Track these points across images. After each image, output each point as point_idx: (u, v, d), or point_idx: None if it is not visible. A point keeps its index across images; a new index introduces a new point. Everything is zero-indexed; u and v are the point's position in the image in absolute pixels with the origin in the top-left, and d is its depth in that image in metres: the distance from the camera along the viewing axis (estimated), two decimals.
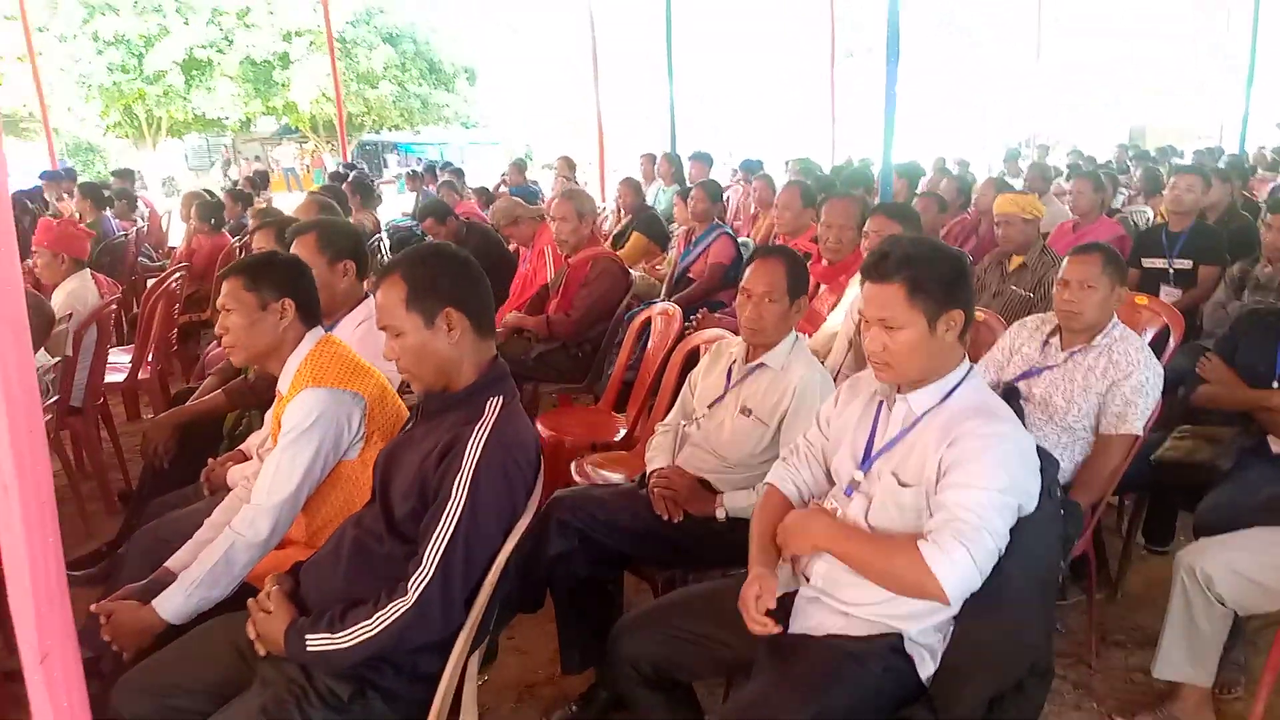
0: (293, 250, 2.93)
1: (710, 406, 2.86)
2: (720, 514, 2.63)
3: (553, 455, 3.77)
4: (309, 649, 1.79)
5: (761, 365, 2.77)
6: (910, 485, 1.93)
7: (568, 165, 9.74)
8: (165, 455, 3.30)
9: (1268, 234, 4.54)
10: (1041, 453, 1.98)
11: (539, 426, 3.93)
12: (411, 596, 1.74)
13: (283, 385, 2.34)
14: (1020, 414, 2.82)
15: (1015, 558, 1.86)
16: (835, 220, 3.90)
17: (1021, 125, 19.19)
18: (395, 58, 30.28)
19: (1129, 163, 11.54)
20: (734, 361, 2.88)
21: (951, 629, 1.95)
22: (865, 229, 3.66)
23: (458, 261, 1.97)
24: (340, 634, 1.76)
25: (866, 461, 2.05)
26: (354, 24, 29.14)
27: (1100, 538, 3.46)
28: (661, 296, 5.61)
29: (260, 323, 2.32)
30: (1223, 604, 2.52)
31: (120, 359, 5.05)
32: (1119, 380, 2.83)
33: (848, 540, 1.93)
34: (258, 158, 32.57)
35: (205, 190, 9.20)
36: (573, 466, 3.45)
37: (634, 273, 6.46)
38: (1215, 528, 2.83)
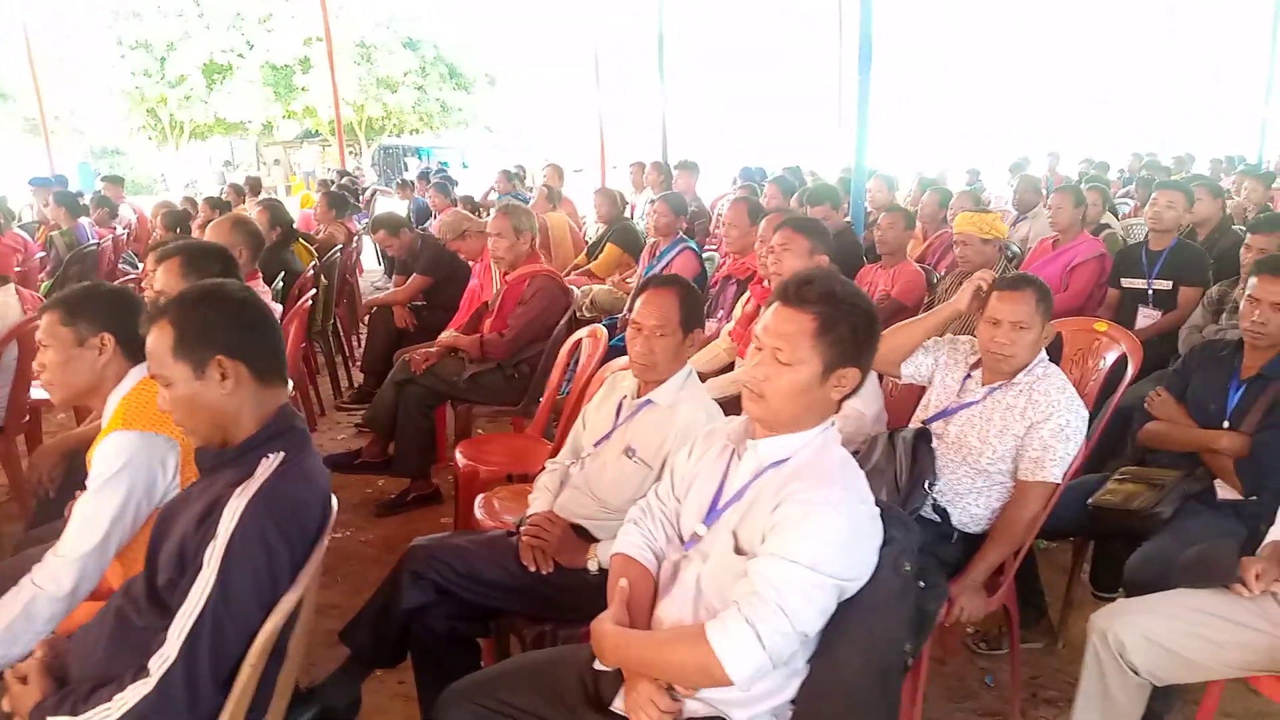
0: (159, 275, 2.77)
1: (596, 445, 2.67)
2: (592, 566, 2.43)
3: (467, 488, 3.60)
4: None
5: (650, 403, 2.58)
6: (745, 553, 1.74)
7: (556, 174, 9.57)
8: (51, 484, 3.14)
9: (1247, 255, 4.27)
10: (893, 520, 1.78)
11: (457, 454, 3.76)
12: (153, 678, 1.57)
13: (104, 425, 2.18)
14: (930, 457, 2.67)
15: (850, 641, 1.67)
16: (772, 239, 3.70)
17: (1041, 134, 18.77)
18: (416, 62, 30.40)
19: (1142, 172, 11.16)
20: (625, 396, 2.69)
21: (790, 715, 1.75)
22: (771, 241, 3.44)
23: (234, 304, 1.79)
24: (79, 717, 1.59)
25: (711, 515, 1.86)
26: (373, 29, 29.29)
27: (1035, 585, 3.24)
28: (624, 311, 5.44)
29: (76, 360, 2.16)
30: (1136, 673, 2.30)
31: None
32: (1038, 422, 2.61)
33: (629, 649, 1.75)
34: (277, 161, 32.70)
35: (189, 198, 9.11)
36: (477, 503, 3.26)
37: (599, 286, 6.32)
38: (1144, 585, 2.60)
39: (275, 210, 5.81)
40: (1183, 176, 9.12)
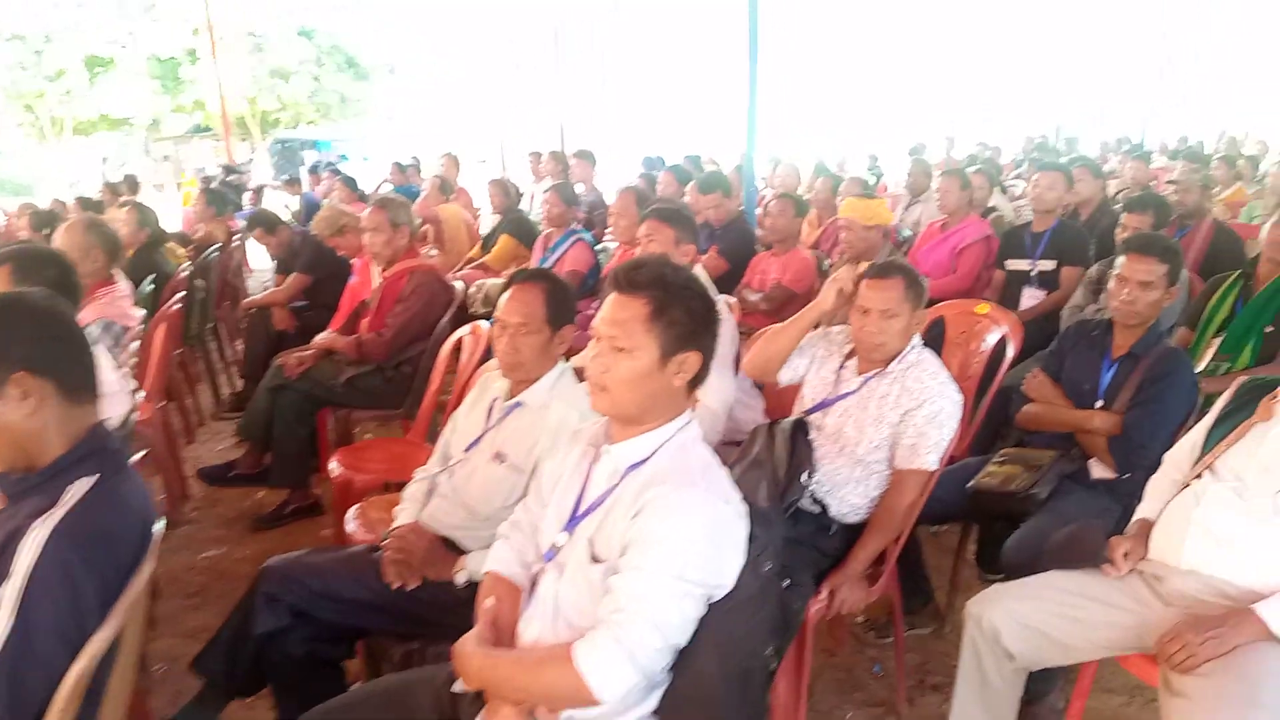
0: None
1: (466, 450, 2.55)
2: (460, 579, 2.32)
3: (341, 499, 3.44)
4: None
5: (520, 404, 2.48)
6: (601, 560, 1.66)
7: (452, 164, 9.35)
8: None
9: (1122, 234, 4.36)
10: (756, 518, 1.71)
11: (333, 462, 3.59)
12: None
13: None
14: (808, 448, 2.62)
15: (708, 647, 1.60)
16: (628, 229, 3.63)
17: (940, 120, 19.16)
18: (311, 52, 29.51)
19: (1034, 155, 11.45)
20: (496, 398, 2.58)
21: None
22: (639, 233, 3.37)
23: (36, 316, 1.62)
24: None
25: (572, 522, 1.78)
26: (266, 18, 28.33)
27: (921, 571, 3.24)
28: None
29: None
30: (1012, 658, 2.29)
31: None
32: (912, 410, 2.58)
33: (494, 670, 1.67)
34: (166, 157, 31.43)
35: (58, 199, 8.63)
36: (349, 515, 3.10)
37: (493, 280, 6.17)
38: (1021, 567, 2.60)
39: (142, 211, 5.50)
40: (1070, 158, 9.36)
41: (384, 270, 4.20)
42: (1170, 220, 4.74)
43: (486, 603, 1.83)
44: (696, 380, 1.72)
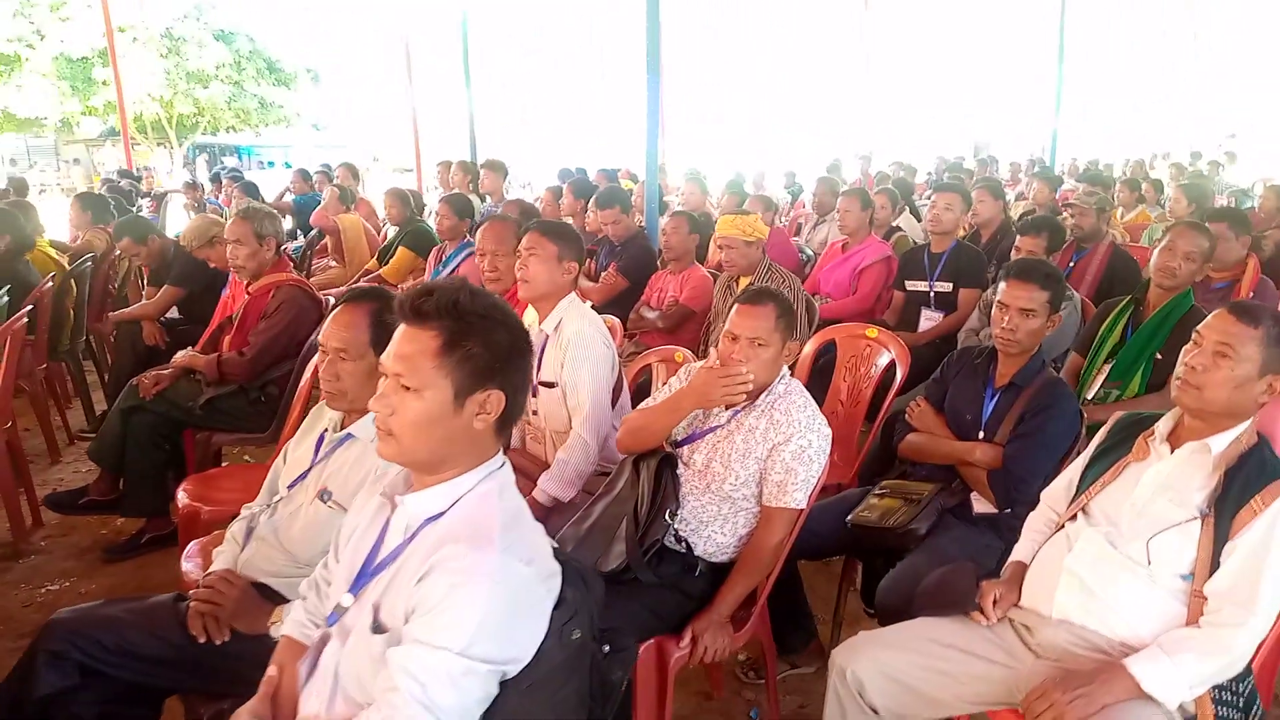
0: None
1: (290, 487, 2.32)
2: (275, 631, 2.08)
3: (186, 532, 3.17)
4: None
5: (350, 436, 2.26)
6: (385, 630, 1.46)
7: (350, 173, 9.04)
8: None
9: (1016, 256, 4.30)
10: (570, 577, 1.53)
11: (180, 492, 3.31)
12: None
13: None
14: (674, 484, 2.45)
15: None
16: (488, 246, 3.44)
17: (859, 137, 19.33)
18: (229, 56, 28.72)
19: (945, 175, 11.53)
20: (327, 429, 2.36)
21: None
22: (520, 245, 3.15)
23: None
24: None
25: (358, 582, 1.57)
26: (181, 20, 27.52)
27: (802, 608, 3.09)
28: None
29: None
30: (877, 712, 2.14)
31: None
32: (779, 444, 2.42)
33: None
34: (77, 160, 30.34)
35: None
36: (187, 551, 2.84)
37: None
38: (893, 611, 2.47)
39: (2, 217, 5.13)
40: (976, 180, 9.42)
41: (248, 285, 3.93)
42: (1065, 243, 4.71)
43: (269, 671, 1.61)
44: (506, 421, 1.54)
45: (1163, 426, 2.16)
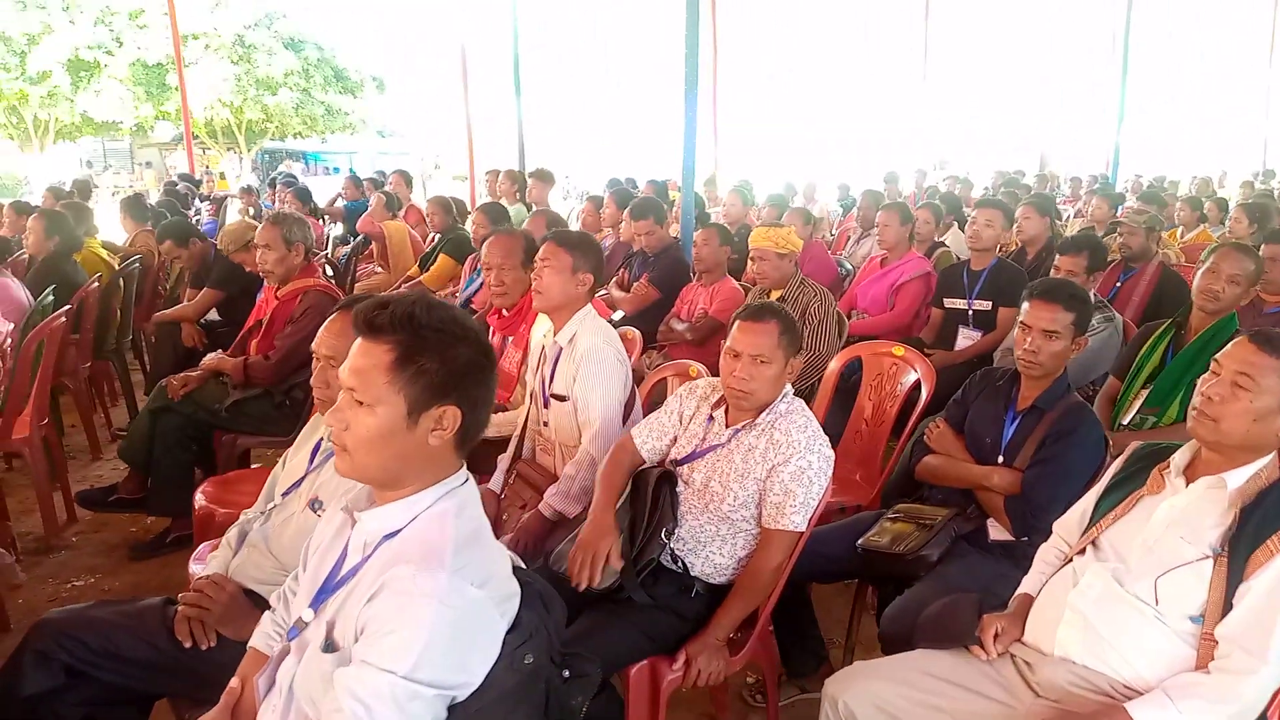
0: None
1: (284, 495, 2.32)
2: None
3: (202, 534, 3.20)
4: None
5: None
6: (337, 648, 1.43)
7: (404, 180, 9.14)
8: None
9: (1056, 276, 4.16)
10: (529, 599, 1.49)
11: (199, 493, 3.35)
12: None
13: None
14: (672, 502, 2.40)
15: None
16: (494, 260, 3.41)
17: (918, 149, 19.06)
18: (297, 63, 29.39)
19: (1002, 189, 11.29)
20: (323, 437, 2.35)
21: None
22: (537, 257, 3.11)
23: None
24: None
25: (321, 595, 1.55)
26: (252, 28, 28.23)
27: (811, 630, 3.00)
28: None
29: None
30: None
31: None
32: (779, 465, 2.36)
33: None
34: (149, 163, 31.26)
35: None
36: (194, 555, 2.86)
37: None
38: (896, 640, 2.39)
39: (52, 219, 5.27)
40: (1040, 195, 9.20)
41: (277, 290, 3.97)
42: (1106, 263, 4.56)
43: (232, 683, 1.60)
44: (466, 437, 1.50)
45: (1179, 459, 2.05)
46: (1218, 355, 2.00)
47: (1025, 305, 2.76)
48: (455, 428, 1.46)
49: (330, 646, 1.44)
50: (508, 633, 1.43)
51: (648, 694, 2.35)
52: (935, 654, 2.13)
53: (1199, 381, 2.02)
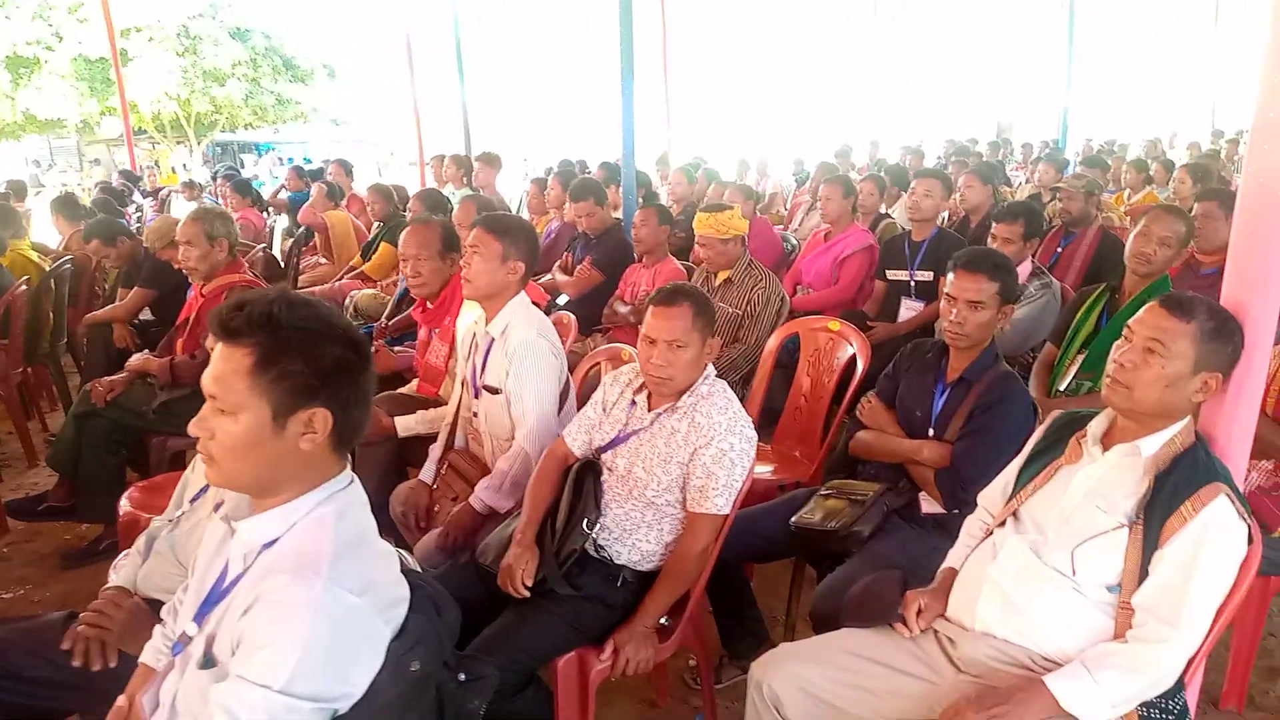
0: None
1: (193, 501, 2.25)
2: None
3: (126, 540, 3.11)
4: None
5: None
6: (216, 663, 1.38)
7: (342, 170, 8.97)
8: None
9: (993, 244, 4.15)
10: (418, 603, 1.44)
11: (124, 499, 3.26)
12: None
13: None
14: (595, 491, 2.35)
15: None
16: (409, 250, 3.34)
17: (874, 120, 19.05)
18: (245, 53, 28.84)
19: (952, 158, 11.31)
20: None
21: None
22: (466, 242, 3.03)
23: None
24: None
25: (204, 607, 1.49)
26: (196, 18, 27.65)
27: (750, 610, 2.97)
28: (384, 318, 5.00)
29: None
30: None
31: None
32: (700, 447, 2.32)
33: None
34: (97, 160, 30.62)
35: None
36: (114, 564, 2.75)
37: (366, 291, 5.86)
38: (827, 619, 2.37)
39: None
40: (984, 163, 9.22)
41: (201, 286, 3.87)
42: (1043, 230, 4.55)
43: (119, 701, 1.54)
44: (343, 439, 1.45)
45: (1096, 427, 2.04)
46: (1130, 321, 1.98)
47: (950, 276, 2.74)
48: (327, 430, 1.40)
49: (209, 662, 1.39)
50: (393, 640, 1.38)
51: (576, 685, 2.32)
52: (860, 633, 2.11)
53: (1114, 347, 2.00)
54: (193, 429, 1.41)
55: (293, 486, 1.43)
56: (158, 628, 1.74)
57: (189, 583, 1.64)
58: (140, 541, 2.30)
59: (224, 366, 1.37)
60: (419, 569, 1.56)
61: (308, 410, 1.38)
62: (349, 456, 1.58)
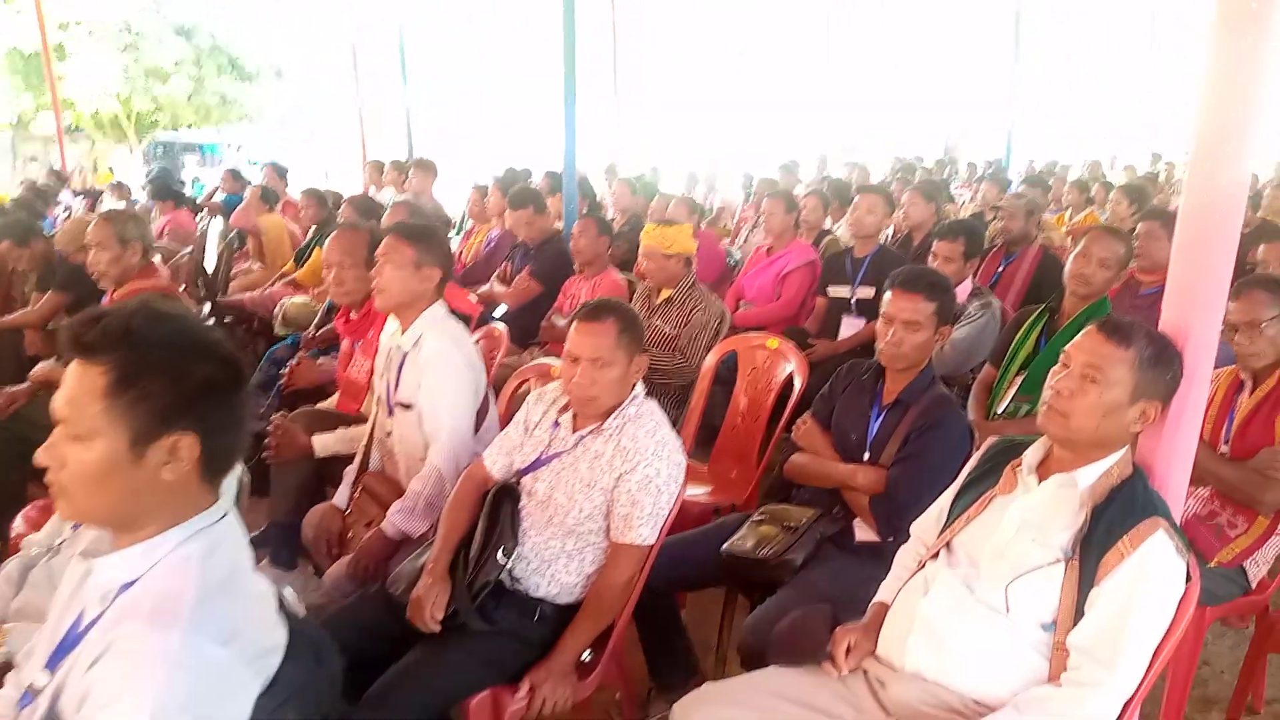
0: None
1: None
2: None
3: None
4: None
5: None
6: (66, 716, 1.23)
7: (276, 173, 8.74)
8: None
9: (933, 262, 4.10)
10: (301, 650, 1.31)
11: (19, 518, 3.05)
12: None
13: None
14: (512, 519, 2.23)
15: None
16: (333, 257, 3.19)
17: (822, 137, 19.14)
18: (189, 51, 28.23)
19: (898, 176, 11.36)
20: None
21: None
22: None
23: None
24: None
25: (58, 654, 1.33)
26: (139, 14, 27.00)
27: (681, 642, 2.85)
28: (312, 329, 4.82)
29: None
30: None
31: None
32: (626, 473, 2.21)
33: None
34: (34, 158, 29.72)
35: None
36: None
37: (296, 298, 5.65)
38: (756, 654, 2.26)
39: None
40: (927, 180, 9.24)
41: (113, 292, 3.67)
42: (984, 248, 4.53)
43: None
44: (213, 467, 1.31)
45: (1031, 456, 1.96)
46: (1067, 346, 1.91)
47: (887, 295, 2.66)
48: (194, 458, 1.26)
49: (53, 717, 1.24)
50: (262, 694, 1.25)
51: None
52: (787, 672, 2.01)
53: (1050, 374, 1.93)
54: (40, 458, 1.27)
55: (155, 521, 1.28)
56: (10, 675, 1.58)
57: (46, 625, 1.48)
58: (10, 567, 2.12)
59: (76, 387, 1.23)
60: (300, 610, 1.42)
61: (171, 436, 1.24)
62: (234, 485, 1.44)
